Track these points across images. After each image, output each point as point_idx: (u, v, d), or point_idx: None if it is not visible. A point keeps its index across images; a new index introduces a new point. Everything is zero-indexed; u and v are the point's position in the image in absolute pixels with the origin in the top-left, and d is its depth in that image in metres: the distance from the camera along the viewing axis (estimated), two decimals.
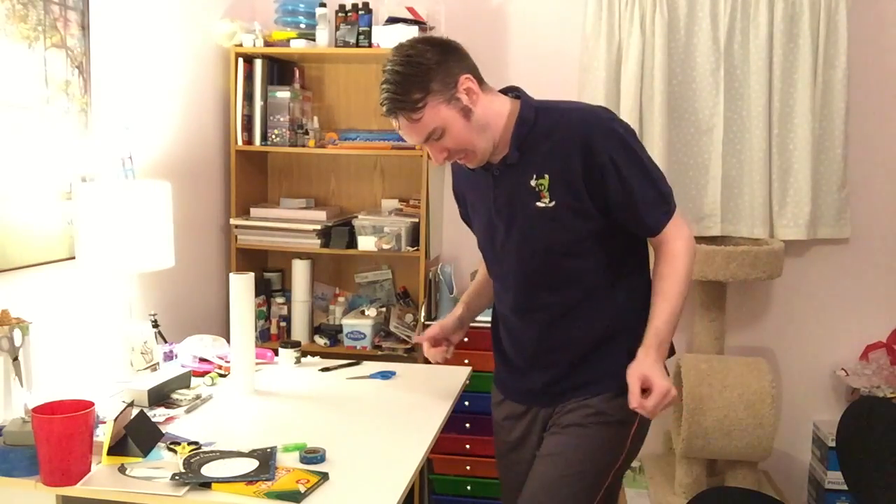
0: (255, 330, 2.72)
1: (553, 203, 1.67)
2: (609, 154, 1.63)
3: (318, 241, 3.08)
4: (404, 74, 1.62)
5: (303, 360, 2.41)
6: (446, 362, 2.11)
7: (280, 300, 3.27)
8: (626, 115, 3.04)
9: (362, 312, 3.16)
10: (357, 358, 2.54)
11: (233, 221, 3.13)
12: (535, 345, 1.80)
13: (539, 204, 1.68)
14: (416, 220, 3.08)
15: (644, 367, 1.61)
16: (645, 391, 1.60)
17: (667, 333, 1.66)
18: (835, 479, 2.95)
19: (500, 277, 1.86)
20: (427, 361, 2.99)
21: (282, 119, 3.12)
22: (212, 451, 1.67)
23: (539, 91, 3.20)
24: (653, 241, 1.73)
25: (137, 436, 1.66)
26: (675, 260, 1.68)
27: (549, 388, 1.80)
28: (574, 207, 1.67)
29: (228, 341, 2.20)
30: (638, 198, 1.65)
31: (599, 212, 1.67)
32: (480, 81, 1.68)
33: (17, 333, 1.80)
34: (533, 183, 1.68)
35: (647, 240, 1.76)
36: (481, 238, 1.88)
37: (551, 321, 1.77)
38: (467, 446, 2.98)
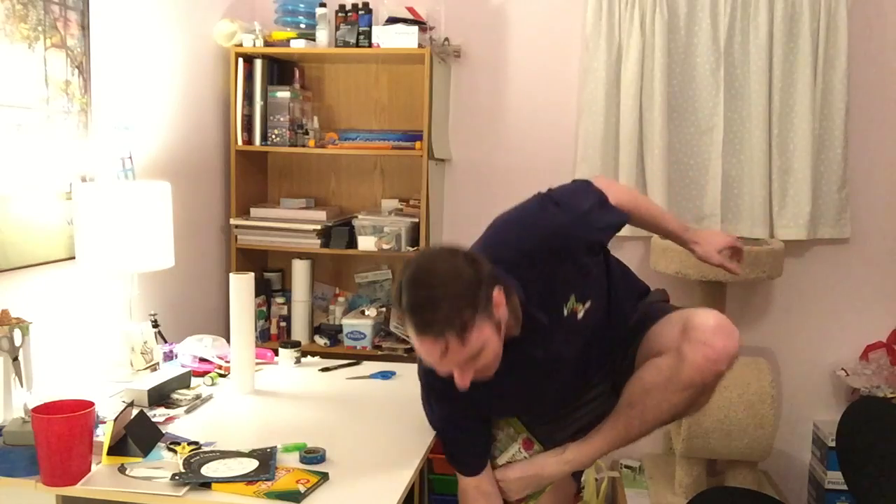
0: (255, 330, 2.72)
1: (588, 302, 1.68)
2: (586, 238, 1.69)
3: (318, 241, 3.09)
4: (457, 290, 1.44)
5: (303, 360, 2.41)
6: None
7: (280, 300, 3.27)
8: (627, 114, 3.04)
9: (362, 312, 3.16)
10: (357, 358, 2.54)
11: (233, 221, 3.13)
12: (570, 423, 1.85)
13: (580, 316, 1.68)
14: (416, 220, 3.08)
15: (714, 239, 1.93)
16: None
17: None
18: (835, 479, 2.95)
19: (533, 412, 1.86)
20: None
21: (282, 119, 3.12)
22: (212, 451, 1.67)
23: (539, 91, 3.24)
24: None
25: (137, 436, 1.66)
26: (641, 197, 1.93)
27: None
28: (602, 286, 1.74)
29: (228, 341, 2.20)
30: None
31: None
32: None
33: (17, 333, 1.80)
34: (566, 312, 1.66)
35: None
36: (511, 405, 1.82)
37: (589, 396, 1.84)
38: None
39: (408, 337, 1.87)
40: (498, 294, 1.50)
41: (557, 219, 1.64)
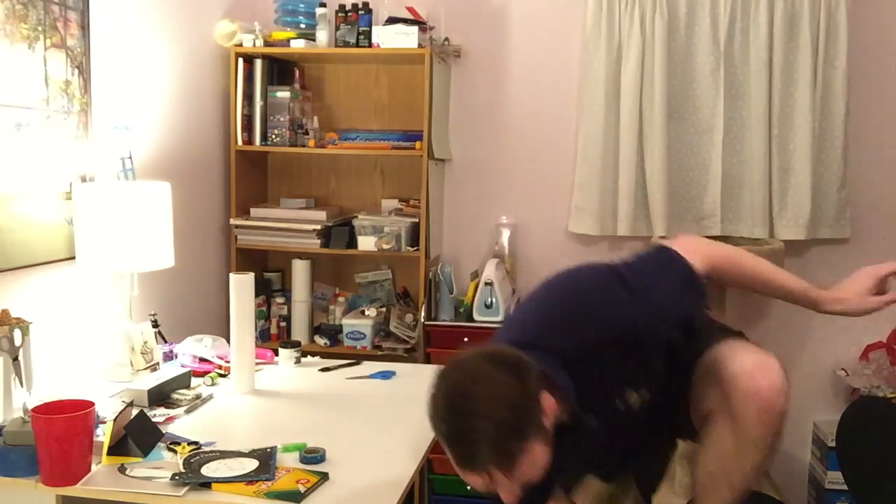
0: (255, 330, 2.72)
1: (644, 391, 1.49)
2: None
3: (318, 241, 3.08)
4: (502, 422, 1.24)
5: (303, 360, 2.41)
6: None
7: (280, 300, 3.27)
8: (627, 114, 3.04)
9: (362, 312, 3.16)
10: (357, 358, 2.54)
11: (233, 221, 3.13)
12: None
13: (635, 408, 1.50)
14: (416, 220, 3.08)
15: (849, 290, 1.63)
16: None
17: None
18: (835, 479, 2.95)
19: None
20: (428, 361, 3.00)
21: (282, 119, 3.12)
22: (212, 451, 1.67)
23: (539, 90, 3.24)
24: None
25: (137, 436, 1.66)
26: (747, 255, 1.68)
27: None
28: (661, 369, 1.51)
29: (228, 341, 2.20)
30: None
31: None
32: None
33: (17, 333, 1.80)
34: (621, 407, 1.48)
35: None
36: (565, 478, 1.66)
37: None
38: None
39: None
40: (547, 400, 1.31)
41: (627, 312, 1.39)
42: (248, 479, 1.54)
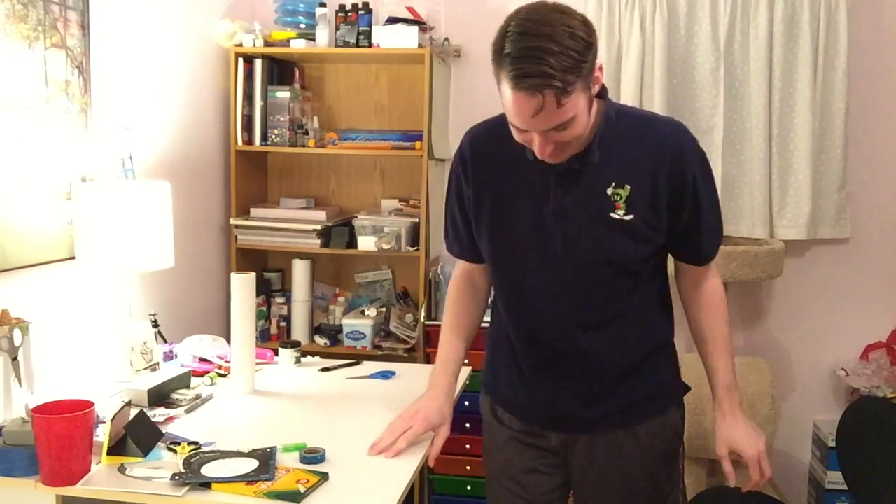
0: (255, 330, 2.72)
1: (631, 217, 1.53)
2: (693, 173, 1.55)
3: (318, 241, 3.09)
4: (567, 49, 1.34)
5: (303, 360, 2.40)
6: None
7: (280, 300, 3.27)
8: None
9: (362, 312, 3.16)
10: (357, 358, 2.53)
11: (233, 221, 3.13)
12: (568, 365, 1.64)
13: (614, 215, 1.53)
14: (416, 220, 3.08)
15: (733, 438, 1.70)
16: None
17: (736, 385, 1.69)
18: (835, 479, 2.95)
19: (533, 289, 1.63)
20: (428, 361, 3.00)
21: (282, 119, 3.12)
22: (212, 451, 1.67)
23: None
24: (689, 273, 1.69)
25: (137, 436, 1.66)
26: (721, 304, 1.70)
27: (581, 409, 1.66)
28: (651, 224, 1.54)
29: (228, 341, 2.20)
30: (704, 223, 1.60)
31: (667, 231, 1.57)
32: None
33: (17, 333, 1.80)
34: (610, 191, 1.53)
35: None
36: (519, 241, 1.61)
37: (592, 340, 1.62)
38: (467, 446, 2.98)
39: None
40: (600, 69, 1.43)
41: (689, 132, 1.58)
42: (248, 479, 1.54)
